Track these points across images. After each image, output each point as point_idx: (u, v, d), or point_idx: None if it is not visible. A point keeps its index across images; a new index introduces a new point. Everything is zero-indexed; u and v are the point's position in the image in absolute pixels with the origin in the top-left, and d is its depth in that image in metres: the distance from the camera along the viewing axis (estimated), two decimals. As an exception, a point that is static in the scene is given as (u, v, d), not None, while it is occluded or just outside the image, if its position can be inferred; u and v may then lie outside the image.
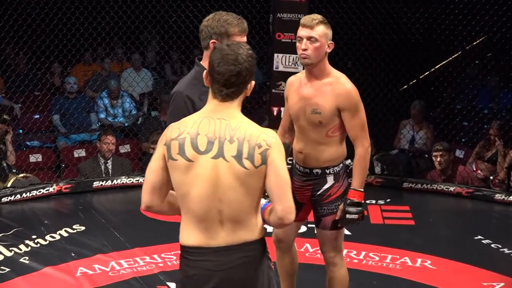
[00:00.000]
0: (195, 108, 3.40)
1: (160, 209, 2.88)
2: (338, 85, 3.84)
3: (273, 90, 7.39)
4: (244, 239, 2.75)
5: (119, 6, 7.56)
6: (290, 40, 7.24)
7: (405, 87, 8.88)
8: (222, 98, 2.74)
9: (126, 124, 8.73)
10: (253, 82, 2.79)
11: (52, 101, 8.59)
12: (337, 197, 3.96)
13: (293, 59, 7.27)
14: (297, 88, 3.95)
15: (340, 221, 3.96)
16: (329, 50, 3.85)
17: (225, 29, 3.44)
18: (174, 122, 3.36)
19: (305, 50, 3.79)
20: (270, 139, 2.70)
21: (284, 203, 2.71)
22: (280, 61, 7.29)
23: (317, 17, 3.84)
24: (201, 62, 3.55)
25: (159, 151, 2.76)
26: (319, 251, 5.47)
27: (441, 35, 7.89)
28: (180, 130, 2.73)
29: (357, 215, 3.89)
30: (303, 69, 4.01)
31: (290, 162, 3.94)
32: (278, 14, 7.25)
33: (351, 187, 3.92)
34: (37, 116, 8.39)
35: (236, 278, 2.75)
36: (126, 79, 9.09)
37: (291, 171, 3.98)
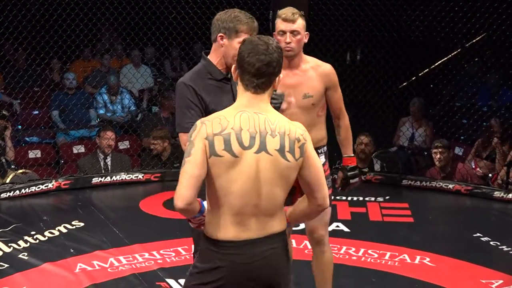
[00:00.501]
0: (198, 96, 3.51)
1: (194, 207, 2.77)
2: (321, 68, 4.09)
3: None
4: (273, 231, 2.81)
5: (118, 2, 7.55)
6: (289, 37, 7.24)
7: (404, 84, 8.88)
8: (254, 90, 2.77)
9: (125, 120, 8.72)
10: (281, 75, 2.82)
11: (52, 97, 8.59)
12: (328, 175, 4.10)
13: (293, 56, 7.26)
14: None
15: (342, 187, 4.23)
16: (306, 41, 4.04)
17: (234, 25, 3.53)
18: (181, 112, 3.50)
19: (289, 43, 3.97)
20: (305, 134, 2.79)
21: (322, 191, 2.81)
22: (280, 58, 7.28)
23: (295, 10, 4.04)
24: (207, 57, 3.62)
25: (199, 145, 2.71)
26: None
27: (441, 32, 7.89)
28: (223, 125, 2.73)
29: (357, 177, 4.19)
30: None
31: None
32: (278, 11, 7.23)
33: (345, 155, 4.20)
34: (36, 112, 8.39)
35: (265, 269, 2.80)
36: (125, 75, 9.08)
37: None
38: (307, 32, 4.05)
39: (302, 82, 4.05)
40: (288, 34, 3.98)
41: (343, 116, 4.21)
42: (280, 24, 4.02)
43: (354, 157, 4.25)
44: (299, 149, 2.75)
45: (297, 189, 3.82)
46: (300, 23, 4.00)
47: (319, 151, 4.09)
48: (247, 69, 2.75)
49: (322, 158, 4.14)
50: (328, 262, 4.28)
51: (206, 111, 3.55)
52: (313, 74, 4.07)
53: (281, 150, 2.72)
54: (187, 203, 2.68)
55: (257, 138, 2.72)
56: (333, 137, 4.25)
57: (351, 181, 4.23)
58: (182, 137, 3.52)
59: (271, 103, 3.72)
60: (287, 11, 4.04)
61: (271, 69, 2.76)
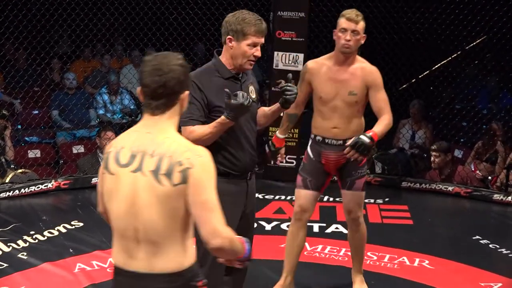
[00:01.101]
0: (203, 93, 3.59)
1: (107, 218, 2.70)
2: (367, 69, 4.46)
3: (272, 88, 7.39)
4: (160, 269, 2.55)
5: (119, 2, 7.56)
6: (290, 38, 7.25)
7: (404, 86, 8.88)
8: (151, 111, 2.57)
9: (124, 121, 8.72)
10: (187, 92, 2.60)
11: (52, 96, 8.59)
12: (365, 163, 4.59)
13: (293, 57, 7.27)
14: (328, 73, 4.48)
15: (352, 144, 4.24)
16: (362, 42, 4.42)
17: (242, 27, 3.61)
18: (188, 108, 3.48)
19: (348, 41, 4.34)
20: (194, 158, 2.49)
21: (207, 227, 2.49)
22: (280, 59, 7.30)
23: (358, 12, 4.40)
24: (219, 56, 3.71)
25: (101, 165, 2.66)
26: (317, 250, 5.50)
27: (441, 35, 7.90)
28: (113, 144, 2.64)
29: (369, 141, 4.20)
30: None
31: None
32: (279, 12, 7.25)
33: (372, 130, 4.33)
34: (36, 112, 8.38)
35: None
36: (125, 76, 9.08)
37: (319, 145, 4.57)
38: (364, 34, 4.39)
39: (351, 79, 4.43)
40: (349, 32, 4.33)
41: (385, 113, 4.43)
42: (342, 23, 4.37)
43: (376, 134, 4.31)
44: (180, 174, 2.47)
45: (327, 178, 4.68)
46: (361, 25, 4.37)
47: None
48: (144, 91, 2.57)
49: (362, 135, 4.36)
50: (362, 238, 4.80)
51: (210, 108, 3.62)
52: (360, 73, 4.44)
53: (155, 172, 2.49)
54: (99, 211, 2.74)
55: (138, 158, 2.53)
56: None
57: (363, 142, 4.21)
58: (182, 131, 3.60)
59: (285, 95, 3.77)
60: (351, 12, 4.39)
61: (169, 89, 2.54)
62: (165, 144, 2.52)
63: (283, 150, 4.40)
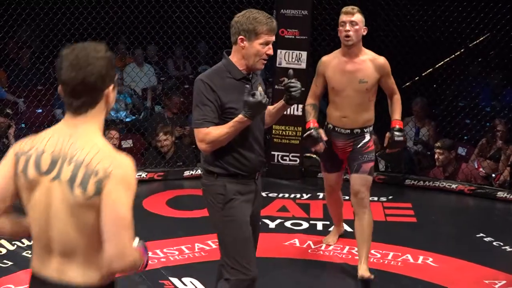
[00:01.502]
0: (216, 94, 3.56)
1: None
2: (377, 60, 4.88)
3: (275, 86, 7.39)
4: (72, 280, 2.36)
5: (122, 0, 7.56)
6: (293, 36, 7.25)
7: (408, 84, 8.87)
8: (73, 112, 2.34)
9: (127, 119, 8.73)
10: (111, 87, 2.36)
11: (55, 95, 8.59)
12: (372, 149, 5.00)
13: (296, 55, 7.27)
14: (338, 65, 4.92)
15: (389, 146, 4.97)
16: (364, 33, 4.80)
17: (253, 26, 3.58)
18: (197, 107, 3.55)
19: (348, 31, 4.74)
20: (112, 168, 2.26)
21: (114, 246, 2.24)
22: (283, 57, 7.30)
23: (355, 7, 4.79)
24: (229, 56, 3.68)
25: (10, 156, 2.42)
26: (321, 248, 5.51)
27: (444, 32, 7.88)
28: (32, 144, 2.40)
29: (402, 137, 4.90)
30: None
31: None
32: (282, 10, 7.25)
33: (394, 119, 4.93)
34: (39, 111, 8.39)
35: None
36: (129, 74, 9.09)
37: (330, 132, 5.01)
38: (365, 27, 4.78)
39: (359, 69, 4.84)
40: (347, 24, 4.73)
41: (395, 93, 5.00)
42: (341, 17, 4.78)
43: (401, 121, 4.94)
44: (95, 185, 2.25)
45: (343, 162, 5.13)
46: (358, 17, 4.75)
47: (365, 130, 4.97)
48: (63, 88, 2.31)
49: (368, 136, 4.97)
50: (368, 223, 5.00)
51: (223, 109, 3.59)
52: (370, 64, 4.85)
53: (70, 181, 2.28)
54: None
55: (58, 164, 2.31)
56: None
57: (396, 138, 4.88)
58: (197, 133, 3.60)
59: (290, 91, 3.78)
60: (348, 7, 4.79)
61: (89, 86, 2.28)
62: (84, 150, 2.29)
63: (321, 130, 4.89)
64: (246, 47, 3.60)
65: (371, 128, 5.02)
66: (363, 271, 4.86)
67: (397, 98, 5.00)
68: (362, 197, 4.96)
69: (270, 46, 3.63)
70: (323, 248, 5.58)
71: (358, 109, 4.93)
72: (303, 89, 3.89)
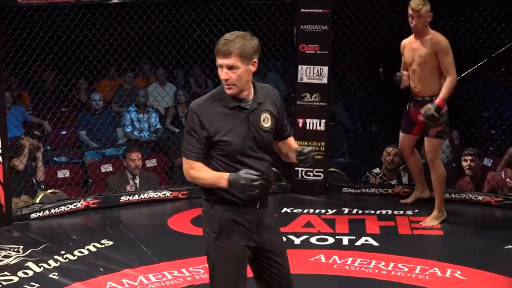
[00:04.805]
0: (202, 125, 3.43)
1: None
2: (434, 39, 6.05)
3: (298, 102, 7.39)
4: None
5: (143, 21, 7.61)
6: (314, 52, 7.25)
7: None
8: None
9: (151, 139, 8.77)
10: None
11: (79, 117, 8.67)
12: (443, 114, 6.06)
13: (317, 70, 7.27)
14: (408, 44, 6.23)
15: (424, 114, 6.05)
16: (429, 19, 6.03)
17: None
18: (185, 136, 3.48)
19: (415, 24, 6.03)
20: None
21: None
22: (305, 73, 7.29)
23: (420, 2, 5.94)
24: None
25: None
26: (347, 263, 5.48)
27: (467, 42, 7.84)
28: None
29: (434, 112, 5.95)
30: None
31: None
32: (302, 26, 7.26)
33: (439, 97, 6.02)
34: (64, 132, 8.46)
35: None
36: (151, 94, 9.14)
37: (410, 100, 6.44)
38: (431, 14, 5.99)
39: (420, 47, 6.09)
40: (415, 18, 5.98)
41: (447, 74, 6.03)
42: (409, 11, 6.01)
43: (442, 100, 6.01)
44: None
45: (416, 125, 6.45)
46: (423, 10, 5.94)
47: (434, 98, 6.05)
48: None
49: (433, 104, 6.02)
50: (436, 178, 6.35)
51: (212, 142, 3.46)
52: (428, 42, 6.04)
53: None
54: None
55: None
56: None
57: (427, 112, 6.01)
58: (183, 161, 3.53)
59: (301, 162, 3.67)
60: (413, 2, 5.96)
61: None
62: None
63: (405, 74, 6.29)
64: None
65: (434, 98, 6.05)
66: (428, 219, 6.35)
67: (449, 80, 5.99)
68: (429, 158, 6.26)
69: (223, 70, 3.45)
70: (349, 262, 5.55)
71: (423, 81, 6.15)
72: (313, 155, 3.74)
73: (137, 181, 7.45)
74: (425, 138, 6.26)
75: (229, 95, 3.49)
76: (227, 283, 3.57)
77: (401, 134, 6.62)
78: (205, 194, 3.60)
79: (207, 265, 3.70)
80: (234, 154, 3.49)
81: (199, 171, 3.48)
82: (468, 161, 7.15)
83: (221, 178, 3.42)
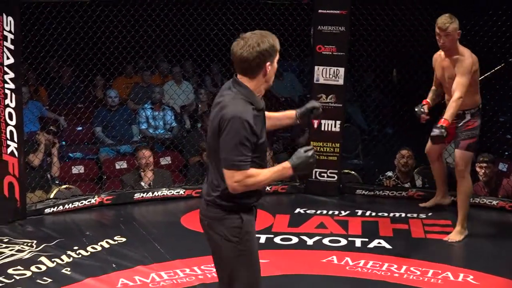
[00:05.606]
0: (254, 132, 3.42)
1: None
2: (458, 59, 5.83)
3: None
4: None
5: (161, 19, 7.63)
6: (330, 53, 7.24)
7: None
8: None
9: (166, 137, 8.79)
10: None
11: (95, 113, 8.70)
12: (471, 128, 6.04)
13: (334, 71, 7.26)
14: (440, 62, 6.04)
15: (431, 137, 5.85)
16: (458, 37, 5.81)
17: (275, 45, 3.55)
18: (237, 148, 3.38)
19: (443, 43, 5.78)
20: None
21: None
22: (321, 74, 7.28)
23: (447, 20, 5.73)
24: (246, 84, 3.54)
25: None
26: (359, 265, 5.47)
27: (484, 47, 7.80)
28: None
29: (438, 133, 5.68)
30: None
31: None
32: (319, 27, 7.25)
33: (444, 117, 5.74)
34: (79, 128, 8.50)
35: None
36: (167, 92, 9.16)
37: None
38: (459, 31, 5.78)
39: (449, 67, 5.92)
40: (442, 36, 5.76)
41: (454, 92, 5.76)
42: (436, 29, 5.79)
43: (445, 120, 5.70)
44: None
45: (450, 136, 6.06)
46: (451, 28, 5.72)
47: (466, 112, 6.01)
48: None
49: (468, 117, 6.03)
50: (463, 191, 6.11)
51: (257, 145, 3.47)
52: (454, 62, 5.86)
53: None
54: None
55: None
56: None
57: (431, 134, 5.73)
58: (234, 174, 3.44)
59: (313, 113, 3.96)
60: (440, 20, 5.75)
61: None
62: None
63: (426, 106, 6.10)
64: (270, 69, 3.51)
65: (473, 111, 6.01)
66: (451, 235, 6.11)
67: (453, 100, 5.77)
68: (458, 170, 6.05)
69: None
70: (361, 264, 5.54)
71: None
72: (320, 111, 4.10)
73: (150, 177, 7.46)
74: (456, 150, 6.10)
75: (259, 96, 3.55)
76: (254, 284, 3.63)
77: (429, 142, 6.46)
78: (222, 201, 3.57)
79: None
80: (263, 153, 3.57)
81: (256, 177, 3.47)
82: (483, 169, 7.11)
83: (284, 169, 3.50)
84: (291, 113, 4.02)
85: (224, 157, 3.43)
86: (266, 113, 3.74)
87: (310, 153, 3.47)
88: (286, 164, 3.48)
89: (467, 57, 5.82)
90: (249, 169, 3.44)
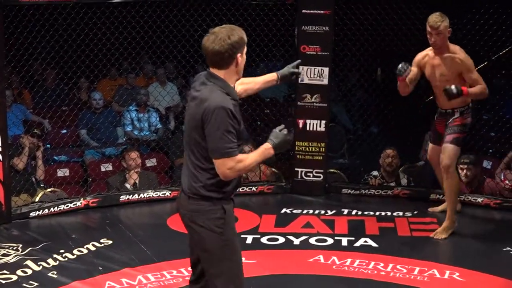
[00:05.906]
0: (237, 120, 3.55)
1: None
2: (455, 58, 5.93)
3: (298, 103, 7.40)
4: None
5: (144, 21, 7.61)
6: (315, 53, 7.25)
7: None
8: None
9: (151, 138, 8.78)
10: None
11: (79, 115, 8.67)
12: (459, 124, 6.09)
13: (318, 71, 7.27)
14: (429, 60, 6.10)
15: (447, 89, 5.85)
16: (448, 35, 5.90)
17: (243, 38, 3.71)
18: (225, 137, 3.49)
19: (434, 41, 5.88)
20: None
21: None
22: (305, 74, 7.30)
23: (439, 18, 5.82)
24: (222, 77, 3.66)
25: None
26: (346, 264, 5.48)
27: (467, 45, 7.83)
28: None
29: (453, 90, 5.78)
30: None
31: None
32: (303, 27, 7.26)
33: (467, 89, 5.85)
34: (64, 131, 8.46)
35: None
36: (152, 93, 9.14)
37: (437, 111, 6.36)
38: (449, 29, 5.87)
39: (441, 65, 5.99)
40: (433, 35, 5.85)
41: (478, 85, 5.92)
42: (427, 27, 5.89)
43: (467, 91, 5.84)
44: None
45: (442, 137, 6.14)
46: (442, 26, 5.82)
47: (456, 110, 6.10)
48: None
49: (457, 114, 6.11)
50: (449, 187, 6.12)
51: (238, 132, 3.58)
52: (449, 61, 5.95)
53: None
54: None
55: None
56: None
57: (446, 87, 5.81)
58: (226, 161, 3.52)
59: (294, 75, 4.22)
60: (431, 19, 5.85)
61: None
62: None
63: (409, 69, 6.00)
64: (241, 60, 3.64)
65: (462, 109, 6.08)
66: (437, 231, 6.15)
67: (480, 86, 5.90)
68: (444, 164, 6.02)
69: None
70: (348, 263, 5.56)
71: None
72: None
73: (137, 180, 7.44)
74: (443, 145, 6.08)
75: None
76: (238, 273, 3.70)
77: (430, 145, 6.59)
78: (207, 192, 3.63)
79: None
80: (241, 140, 3.67)
81: (244, 161, 3.59)
82: (464, 170, 7.12)
83: (266, 150, 3.66)
84: (273, 75, 4.23)
85: (214, 147, 3.53)
86: (252, 78, 4.06)
87: (285, 131, 3.66)
88: (267, 145, 3.64)
89: (462, 54, 5.94)
90: (238, 154, 3.55)
